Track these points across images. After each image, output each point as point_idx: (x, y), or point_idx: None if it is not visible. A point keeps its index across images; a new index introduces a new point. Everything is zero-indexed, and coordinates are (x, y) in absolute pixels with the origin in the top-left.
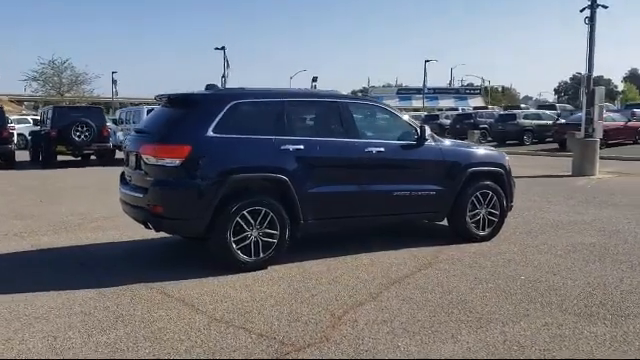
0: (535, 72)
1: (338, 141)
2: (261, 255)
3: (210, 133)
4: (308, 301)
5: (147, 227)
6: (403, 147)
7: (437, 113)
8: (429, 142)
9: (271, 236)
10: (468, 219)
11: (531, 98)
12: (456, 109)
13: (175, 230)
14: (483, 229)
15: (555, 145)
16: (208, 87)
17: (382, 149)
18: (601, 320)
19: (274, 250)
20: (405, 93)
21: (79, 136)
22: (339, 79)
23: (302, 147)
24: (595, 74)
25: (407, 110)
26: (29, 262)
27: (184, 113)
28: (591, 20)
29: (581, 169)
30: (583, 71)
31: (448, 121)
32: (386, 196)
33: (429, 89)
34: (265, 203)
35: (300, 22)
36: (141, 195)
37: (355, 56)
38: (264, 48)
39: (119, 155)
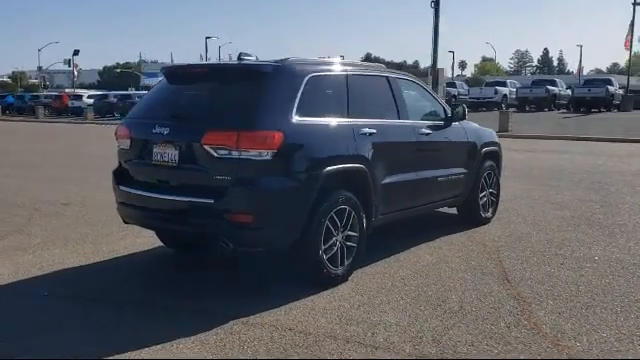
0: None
1: (398, 123)
2: (345, 263)
3: (295, 116)
4: (468, 315)
5: (215, 245)
6: (440, 128)
7: None
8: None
9: (351, 239)
10: (480, 201)
11: None
12: None
13: (265, 243)
14: (488, 210)
15: None
16: (242, 56)
17: (429, 131)
18: None
19: (355, 256)
20: None
21: None
22: (108, 53)
23: (375, 131)
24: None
25: None
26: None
27: (256, 90)
28: (436, 5)
29: None
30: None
31: None
32: (435, 182)
33: None
34: (347, 200)
35: None
36: (209, 200)
37: (126, 30)
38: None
39: None
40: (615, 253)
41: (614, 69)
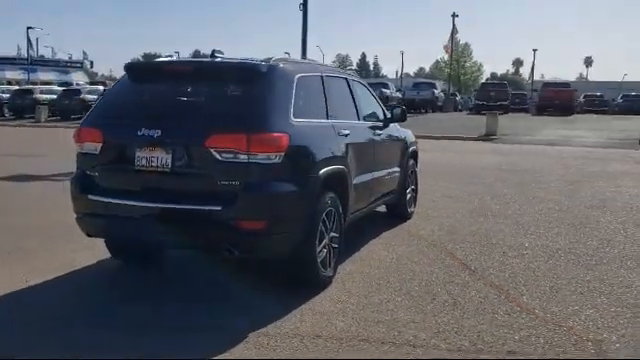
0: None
1: (360, 124)
2: (332, 265)
3: (292, 117)
4: (465, 307)
5: (219, 253)
6: (383, 128)
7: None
8: None
9: (334, 240)
10: (406, 197)
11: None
12: (69, 83)
13: (272, 250)
14: (411, 206)
15: None
16: (216, 53)
17: (380, 132)
18: None
19: (337, 257)
20: None
21: None
22: None
23: (349, 132)
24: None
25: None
26: None
27: (256, 91)
28: (304, 7)
29: None
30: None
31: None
32: (383, 180)
33: (33, 60)
34: (333, 202)
35: None
36: (215, 207)
37: None
38: None
39: None
40: (537, 240)
41: (420, 73)
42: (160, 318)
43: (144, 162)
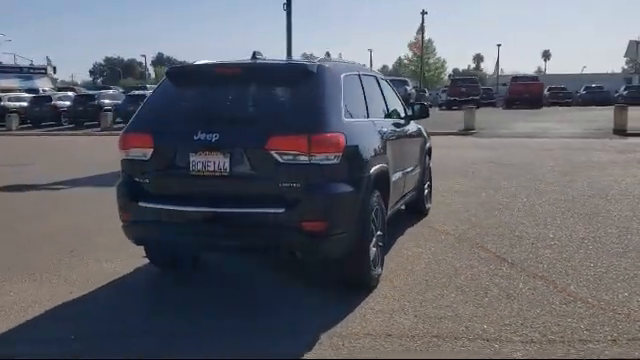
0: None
1: (392, 122)
2: (379, 263)
3: (343, 117)
4: (520, 299)
5: (281, 256)
6: (407, 125)
7: None
8: None
9: (380, 239)
10: (424, 193)
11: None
12: (34, 90)
13: (332, 250)
14: (428, 202)
15: None
16: (257, 54)
17: (407, 128)
18: None
19: (382, 256)
20: None
21: None
22: None
23: (387, 130)
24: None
25: None
26: None
27: (310, 91)
28: (288, 6)
29: None
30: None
31: None
32: (410, 177)
33: None
34: (379, 200)
35: None
36: (278, 210)
37: None
38: None
39: None
40: (559, 231)
41: (384, 71)
42: (228, 322)
43: (200, 167)
